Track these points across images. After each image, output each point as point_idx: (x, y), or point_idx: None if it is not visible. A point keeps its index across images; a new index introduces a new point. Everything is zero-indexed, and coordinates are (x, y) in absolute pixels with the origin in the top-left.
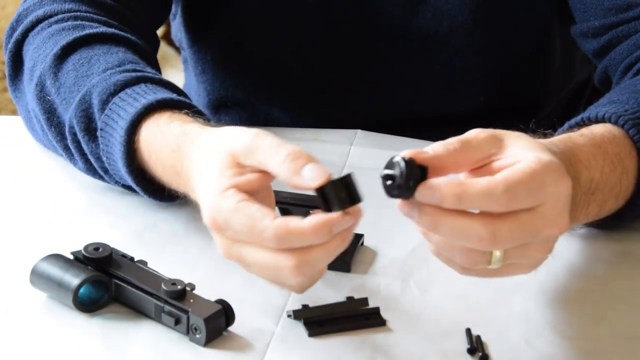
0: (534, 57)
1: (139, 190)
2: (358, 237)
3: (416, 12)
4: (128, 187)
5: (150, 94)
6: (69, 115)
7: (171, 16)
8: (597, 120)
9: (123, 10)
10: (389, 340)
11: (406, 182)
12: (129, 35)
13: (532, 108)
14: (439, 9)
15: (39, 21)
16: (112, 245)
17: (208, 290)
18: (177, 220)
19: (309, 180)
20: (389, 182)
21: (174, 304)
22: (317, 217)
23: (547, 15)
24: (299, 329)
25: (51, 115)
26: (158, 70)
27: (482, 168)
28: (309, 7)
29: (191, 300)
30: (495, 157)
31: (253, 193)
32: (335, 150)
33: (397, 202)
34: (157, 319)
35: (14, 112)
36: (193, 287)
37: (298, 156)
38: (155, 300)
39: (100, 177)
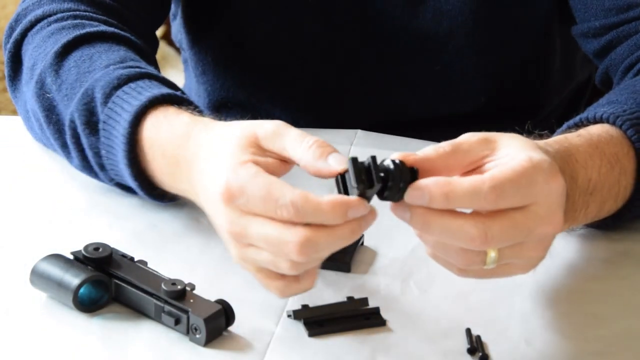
0: (534, 57)
1: (135, 187)
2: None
3: (416, 13)
4: (122, 187)
5: (155, 89)
6: (70, 110)
7: (171, 17)
8: (596, 121)
9: (122, 10)
10: (389, 340)
11: (396, 184)
12: (128, 35)
13: (532, 108)
14: (438, 9)
15: (38, 20)
16: (112, 245)
17: (208, 290)
18: (177, 220)
19: (334, 164)
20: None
21: (174, 304)
22: (336, 196)
23: (547, 15)
24: (299, 329)
25: (50, 112)
26: (157, 70)
27: (474, 170)
28: (309, 8)
29: (191, 300)
30: (488, 159)
31: None
32: None
33: (391, 204)
34: (157, 319)
35: (14, 112)
36: (193, 287)
37: (324, 144)
38: (155, 300)
39: (95, 175)
